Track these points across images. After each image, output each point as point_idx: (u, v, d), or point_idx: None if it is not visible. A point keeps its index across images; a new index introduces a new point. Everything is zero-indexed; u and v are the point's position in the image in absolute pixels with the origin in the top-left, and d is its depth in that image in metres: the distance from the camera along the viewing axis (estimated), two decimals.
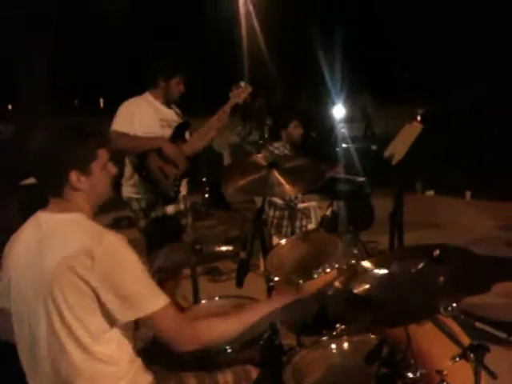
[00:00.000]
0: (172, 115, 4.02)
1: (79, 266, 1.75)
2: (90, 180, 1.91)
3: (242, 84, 4.15)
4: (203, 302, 2.72)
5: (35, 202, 2.14)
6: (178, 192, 3.97)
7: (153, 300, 1.82)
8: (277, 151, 4.92)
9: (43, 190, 1.94)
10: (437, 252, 1.76)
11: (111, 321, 1.83)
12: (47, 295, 1.79)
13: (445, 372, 1.89)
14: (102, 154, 1.94)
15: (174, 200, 3.95)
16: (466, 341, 2.17)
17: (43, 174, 1.92)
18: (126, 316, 1.81)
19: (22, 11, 10.96)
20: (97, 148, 1.93)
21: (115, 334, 1.88)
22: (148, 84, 4.01)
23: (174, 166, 3.87)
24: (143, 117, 3.82)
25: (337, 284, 2.15)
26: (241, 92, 4.12)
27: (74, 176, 1.87)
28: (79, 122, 1.95)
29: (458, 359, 1.92)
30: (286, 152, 4.95)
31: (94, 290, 1.77)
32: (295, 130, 5.07)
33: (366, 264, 2.05)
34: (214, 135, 4.19)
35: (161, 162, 3.81)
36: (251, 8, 17.20)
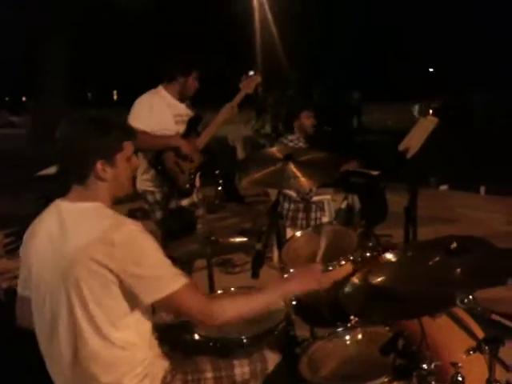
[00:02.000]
0: (185, 109, 4.04)
1: (100, 254, 1.81)
2: (114, 171, 1.96)
3: (251, 73, 4.14)
4: (219, 292, 2.74)
5: (52, 191, 2.18)
6: (193, 185, 4.01)
7: (174, 280, 1.88)
8: (291, 144, 4.92)
9: (67, 178, 1.98)
10: (454, 244, 1.77)
11: (133, 304, 1.89)
12: (69, 282, 1.84)
13: (459, 364, 1.91)
14: (127, 147, 2.00)
15: (189, 193, 3.98)
16: (480, 334, 2.18)
17: (70, 162, 1.96)
18: (149, 297, 1.87)
19: (38, 7, 11.06)
20: (123, 140, 1.98)
21: (134, 319, 1.92)
22: (163, 78, 4.02)
23: (190, 161, 3.91)
24: (158, 113, 3.84)
25: (354, 279, 2.17)
26: (250, 81, 4.12)
27: (99, 165, 1.92)
28: (106, 114, 2.01)
29: (472, 352, 1.93)
30: (301, 145, 4.95)
31: (116, 276, 1.82)
32: (307, 120, 5.06)
33: (385, 256, 2.06)
34: (223, 125, 4.20)
35: (176, 158, 3.85)
36: (264, 2, 17.18)
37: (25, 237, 2.03)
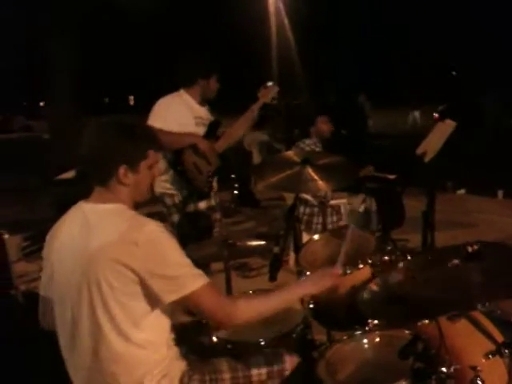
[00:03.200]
0: (205, 113, 4.08)
1: (122, 253, 1.84)
2: (136, 177, 2.00)
3: (270, 84, 4.23)
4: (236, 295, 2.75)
5: (70, 195, 2.21)
6: (211, 188, 4.04)
7: (194, 279, 1.91)
8: (308, 148, 4.93)
9: (90, 181, 2.02)
10: (474, 247, 1.76)
11: (154, 303, 1.91)
12: (90, 281, 1.87)
13: (479, 368, 1.90)
14: (152, 155, 2.03)
15: (207, 195, 4.01)
16: (499, 337, 2.17)
17: (93, 164, 2.00)
18: (170, 296, 1.89)
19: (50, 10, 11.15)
20: (148, 149, 2.02)
21: (154, 319, 1.94)
22: (182, 82, 4.06)
23: (208, 162, 3.94)
24: (178, 114, 3.88)
25: (372, 283, 2.17)
26: (268, 91, 4.20)
27: (122, 170, 1.96)
28: (134, 121, 2.07)
29: (491, 356, 1.92)
30: (317, 149, 4.95)
31: (138, 275, 1.85)
32: (324, 125, 5.09)
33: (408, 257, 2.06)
34: (242, 133, 4.26)
35: (195, 158, 3.88)
36: (281, 6, 17.19)
37: (47, 238, 2.07)
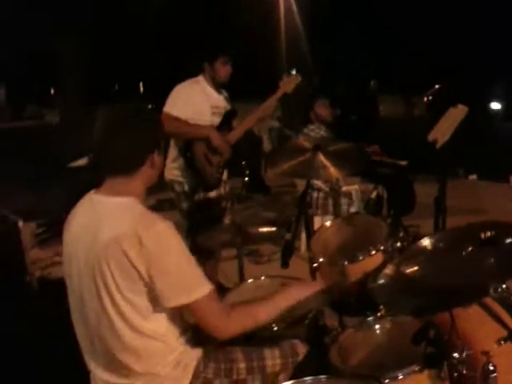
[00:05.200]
0: (222, 101, 4.05)
1: (128, 248, 1.82)
2: (161, 158, 2.06)
3: (293, 73, 4.15)
4: (249, 281, 2.76)
5: (85, 182, 2.22)
6: (220, 180, 4.02)
7: (197, 288, 1.89)
8: (312, 133, 4.91)
9: (103, 171, 2.00)
10: (487, 234, 1.77)
11: (156, 303, 1.90)
12: (98, 273, 1.87)
13: (491, 353, 1.90)
14: None
15: (215, 187, 4.00)
16: (511, 324, 2.17)
17: (122, 155, 1.96)
18: (169, 302, 1.87)
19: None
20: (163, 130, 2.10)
21: (163, 312, 1.94)
22: (191, 69, 4.04)
23: (219, 155, 3.92)
24: (196, 103, 3.86)
25: (385, 270, 2.17)
26: (291, 81, 4.13)
27: (155, 156, 2.00)
28: (144, 106, 2.16)
29: (503, 342, 1.92)
30: (322, 133, 4.93)
31: (139, 273, 1.83)
32: (323, 109, 5.04)
33: (422, 243, 2.06)
34: (257, 122, 4.25)
35: (206, 150, 3.87)
36: None
37: (64, 227, 2.07)
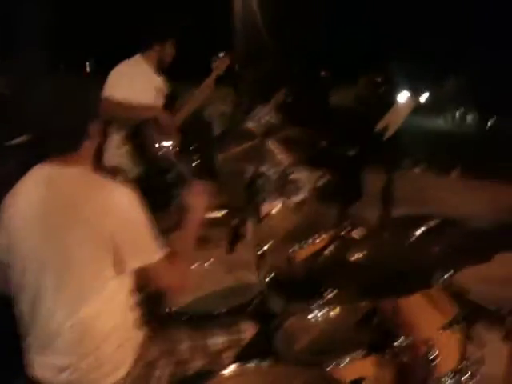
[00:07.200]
0: (163, 83, 3.95)
1: (91, 217, 1.79)
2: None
3: (221, 55, 4.15)
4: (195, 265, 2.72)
5: (25, 159, 2.12)
6: (172, 164, 3.94)
7: (158, 248, 1.90)
8: (262, 119, 4.89)
9: (52, 144, 1.93)
10: (432, 223, 1.79)
11: (120, 268, 1.86)
12: (56, 247, 1.81)
13: (431, 342, 1.93)
14: None
15: (167, 171, 3.92)
16: (453, 311, 2.21)
17: (77, 125, 1.93)
18: (135, 262, 1.87)
19: None
20: None
21: (110, 288, 1.88)
22: (138, 46, 3.90)
23: (168, 137, 3.83)
24: (139, 84, 3.71)
25: (326, 252, 2.18)
26: (221, 63, 4.13)
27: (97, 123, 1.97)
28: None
29: (445, 329, 1.96)
30: (272, 120, 4.92)
31: (104, 238, 1.80)
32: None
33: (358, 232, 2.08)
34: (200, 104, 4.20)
35: (154, 132, 3.76)
36: None
37: (4, 205, 1.96)
